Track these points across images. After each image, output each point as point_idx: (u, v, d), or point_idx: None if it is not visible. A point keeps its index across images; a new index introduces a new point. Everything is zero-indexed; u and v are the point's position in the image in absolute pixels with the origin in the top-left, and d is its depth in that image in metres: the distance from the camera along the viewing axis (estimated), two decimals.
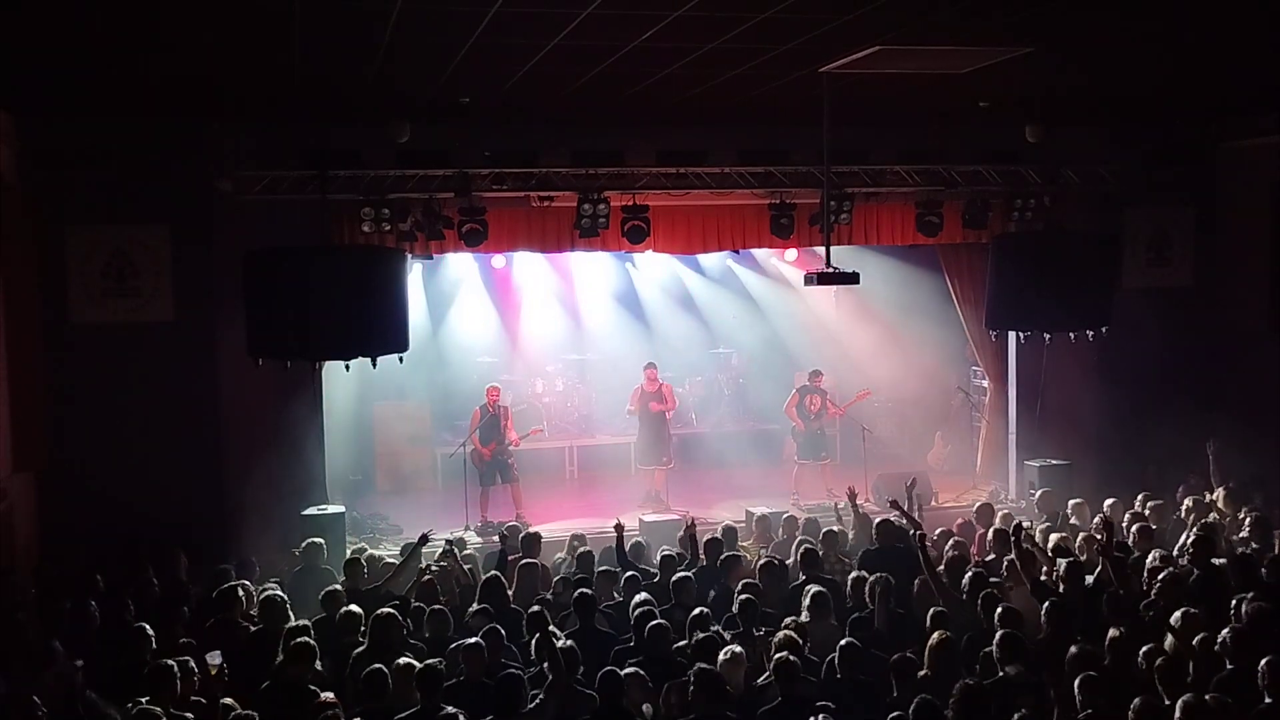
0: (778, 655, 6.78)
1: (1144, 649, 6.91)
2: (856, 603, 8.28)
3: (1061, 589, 8.36)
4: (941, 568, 8.94)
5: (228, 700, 6.73)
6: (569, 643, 7.16)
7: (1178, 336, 12.44)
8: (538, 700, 6.67)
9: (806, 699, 6.60)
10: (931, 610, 7.75)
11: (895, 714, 6.22)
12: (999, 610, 7.59)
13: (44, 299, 11.01)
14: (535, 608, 8.01)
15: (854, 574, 8.73)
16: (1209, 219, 13.81)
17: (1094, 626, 7.65)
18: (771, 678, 6.82)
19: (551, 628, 7.61)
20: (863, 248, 13.07)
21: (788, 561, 9.53)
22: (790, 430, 14.60)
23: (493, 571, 8.88)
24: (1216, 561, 8.86)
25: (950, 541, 9.90)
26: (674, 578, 8.71)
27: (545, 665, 6.93)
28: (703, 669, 6.60)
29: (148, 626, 7.57)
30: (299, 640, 7.23)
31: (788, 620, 7.78)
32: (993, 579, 8.51)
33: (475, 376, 15.71)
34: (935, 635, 7.17)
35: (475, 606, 8.34)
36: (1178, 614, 7.36)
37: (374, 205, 11.09)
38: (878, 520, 9.68)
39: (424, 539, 9.69)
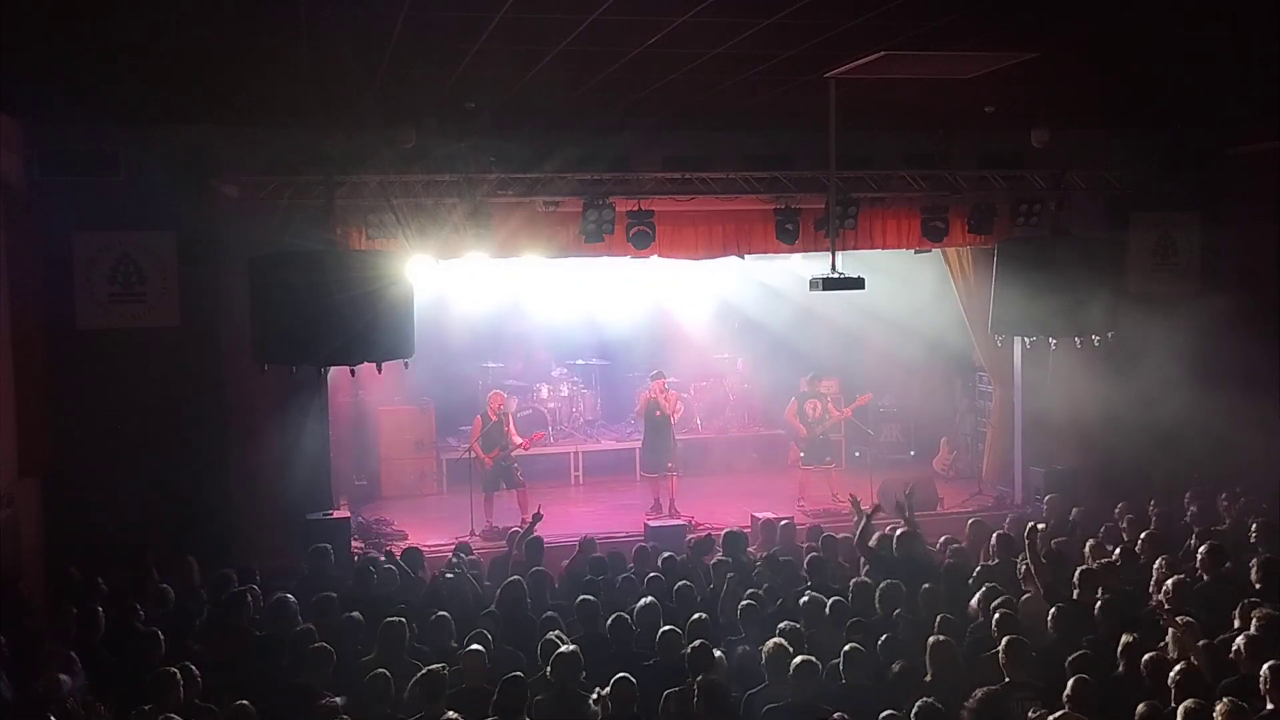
0: (798, 659, 6.78)
1: (1147, 655, 6.91)
2: (861, 609, 8.27)
3: (1075, 595, 8.37)
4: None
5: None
6: (572, 647, 7.17)
7: (1183, 341, 12.41)
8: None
9: (813, 704, 6.61)
10: (940, 616, 7.75)
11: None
12: (1001, 615, 7.61)
13: (50, 304, 11.03)
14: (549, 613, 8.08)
15: (855, 580, 8.72)
16: (1215, 225, 13.79)
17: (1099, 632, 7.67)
18: (768, 683, 6.84)
19: (557, 633, 7.64)
20: (868, 252, 13.05)
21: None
22: (794, 436, 14.59)
23: (514, 577, 8.89)
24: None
25: (950, 548, 9.90)
26: (676, 585, 8.74)
27: (548, 670, 6.95)
28: (707, 680, 6.60)
29: (159, 632, 7.59)
30: (308, 645, 7.25)
31: (791, 625, 7.77)
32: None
33: (481, 381, 15.75)
34: (934, 639, 7.16)
35: (487, 610, 8.37)
36: (1177, 621, 7.35)
37: (379, 210, 11.10)
38: (899, 533, 9.66)
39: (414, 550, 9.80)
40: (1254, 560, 8.73)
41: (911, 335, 15.14)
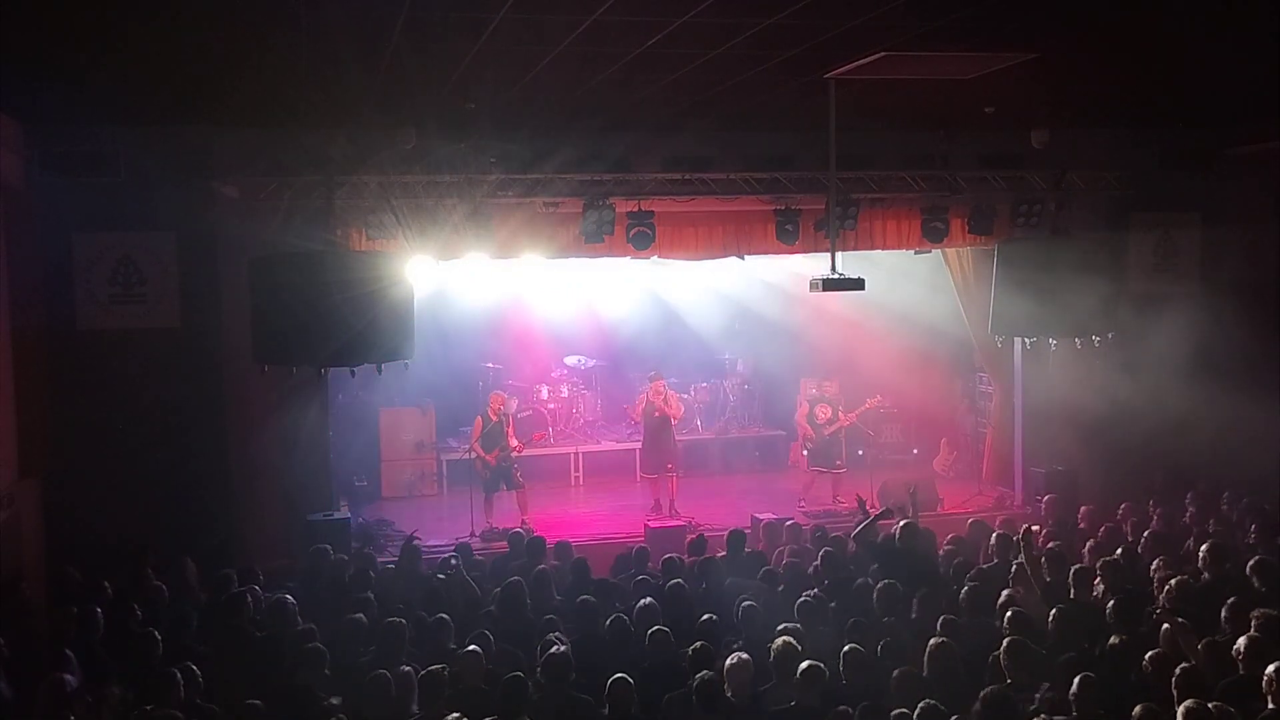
0: (805, 665, 6.78)
1: (1149, 655, 6.90)
2: (862, 609, 8.27)
3: (1071, 595, 8.38)
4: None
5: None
6: (563, 649, 7.18)
7: (1183, 341, 12.41)
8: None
9: (815, 705, 6.61)
10: (942, 619, 7.75)
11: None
12: (1008, 615, 7.62)
13: (50, 305, 11.03)
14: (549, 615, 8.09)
15: (858, 581, 8.74)
16: (1215, 225, 13.78)
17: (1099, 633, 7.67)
18: (774, 682, 6.84)
19: (556, 634, 7.64)
20: (869, 253, 13.05)
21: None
22: (800, 437, 14.59)
23: (515, 578, 8.90)
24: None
25: (949, 548, 9.90)
26: (669, 584, 8.75)
27: (539, 670, 6.97)
28: (701, 682, 6.60)
29: (156, 633, 7.59)
30: (306, 645, 7.25)
31: (791, 626, 7.77)
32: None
33: (481, 382, 15.75)
34: (934, 640, 7.16)
35: (486, 610, 8.38)
36: (1167, 624, 7.34)
37: (380, 211, 11.09)
38: (901, 524, 9.69)
39: (411, 539, 9.93)
40: (1250, 562, 8.71)
41: (912, 336, 15.14)
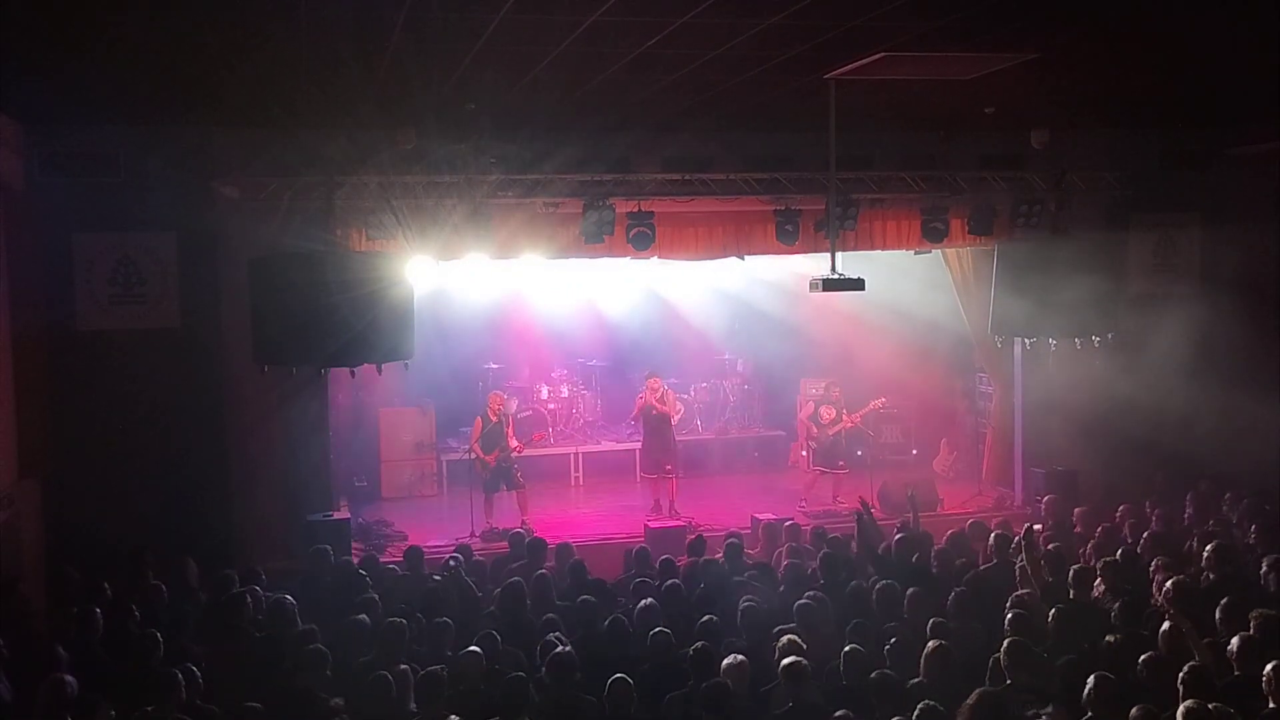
0: (787, 660, 6.78)
1: (1150, 655, 6.90)
2: (859, 611, 8.26)
3: (1071, 595, 8.37)
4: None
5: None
6: (567, 649, 7.18)
7: (1183, 342, 12.42)
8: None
9: (816, 704, 6.60)
10: (932, 621, 7.75)
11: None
12: (1009, 617, 7.61)
13: (50, 306, 11.03)
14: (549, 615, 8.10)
15: (853, 583, 8.73)
16: (1215, 225, 13.78)
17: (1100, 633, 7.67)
18: (778, 683, 6.84)
19: (556, 634, 7.65)
20: (868, 253, 13.05)
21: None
22: (804, 437, 14.59)
23: (515, 579, 8.89)
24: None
25: (948, 550, 9.90)
26: (665, 584, 8.75)
27: (544, 670, 6.96)
28: (707, 684, 6.61)
29: (157, 633, 7.58)
30: (307, 646, 7.25)
31: (788, 627, 7.77)
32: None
33: (481, 382, 15.74)
34: (931, 643, 7.15)
35: (488, 610, 8.38)
36: (1172, 624, 7.34)
37: (380, 212, 11.09)
38: (897, 536, 9.67)
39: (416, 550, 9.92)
40: (1265, 561, 8.69)
41: (912, 334, 15.13)
